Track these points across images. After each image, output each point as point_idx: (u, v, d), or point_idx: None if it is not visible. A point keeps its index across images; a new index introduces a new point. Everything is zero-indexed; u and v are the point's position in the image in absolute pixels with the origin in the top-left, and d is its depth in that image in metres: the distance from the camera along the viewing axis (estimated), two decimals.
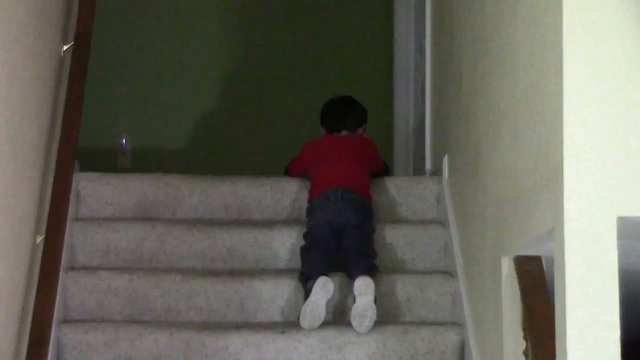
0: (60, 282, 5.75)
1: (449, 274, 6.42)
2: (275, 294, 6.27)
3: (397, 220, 6.72)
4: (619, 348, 4.12)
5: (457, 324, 6.15)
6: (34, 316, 5.38)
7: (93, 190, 6.65)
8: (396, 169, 7.99)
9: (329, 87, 8.22)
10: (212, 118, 8.31)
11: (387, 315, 6.22)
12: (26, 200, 5.47)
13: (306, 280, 5.66)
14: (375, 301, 5.60)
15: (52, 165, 6.03)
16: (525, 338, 4.97)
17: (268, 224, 6.68)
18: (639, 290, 4.53)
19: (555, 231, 4.32)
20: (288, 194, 6.86)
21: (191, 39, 8.35)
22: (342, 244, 5.71)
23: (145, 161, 7.50)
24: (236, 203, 6.82)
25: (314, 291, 5.49)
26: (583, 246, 4.23)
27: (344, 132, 6.16)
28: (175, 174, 6.93)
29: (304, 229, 6.28)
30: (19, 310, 5.26)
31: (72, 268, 6.12)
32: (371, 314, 5.52)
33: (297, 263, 6.46)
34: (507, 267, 5.18)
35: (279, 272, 6.43)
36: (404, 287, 6.29)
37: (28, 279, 5.42)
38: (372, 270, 5.73)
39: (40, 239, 5.63)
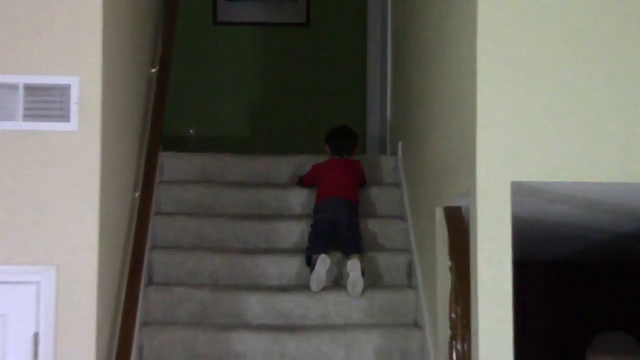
0: (150, 222, 5.78)
1: (402, 218, 6.44)
2: (290, 231, 6.30)
3: (369, 183, 6.73)
4: (511, 265, 4.14)
5: (407, 250, 6.17)
6: (134, 244, 5.41)
7: (171, 163, 6.67)
8: (368, 150, 7.96)
9: (320, 95, 8.26)
10: (248, 117, 8.31)
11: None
12: (129, 170, 5.52)
13: (309, 256, 5.64)
14: (363, 274, 5.55)
15: (145, 147, 6.06)
16: (450, 259, 4.98)
17: (284, 186, 6.70)
18: (526, 227, 4.57)
19: (470, 191, 4.35)
20: (299, 166, 6.87)
21: (234, 65, 8.35)
22: (337, 234, 5.68)
23: (204, 144, 7.50)
24: (264, 172, 6.82)
25: (317, 265, 5.49)
26: (488, 201, 4.27)
27: (345, 156, 6.09)
28: (224, 153, 6.95)
29: (312, 204, 6.26)
30: (124, 239, 5.28)
31: (158, 213, 6.15)
32: (360, 284, 5.51)
33: (304, 212, 6.50)
34: (439, 214, 5.18)
35: (292, 217, 6.43)
36: (373, 226, 6.31)
37: (130, 220, 5.46)
38: (358, 251, 5.67)
39: (137, 194, 5.67)
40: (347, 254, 5.62)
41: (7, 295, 4.26)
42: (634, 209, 5.32)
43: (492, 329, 4.21)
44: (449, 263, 4.99)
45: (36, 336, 4.25)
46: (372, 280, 5.95)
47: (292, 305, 5.76)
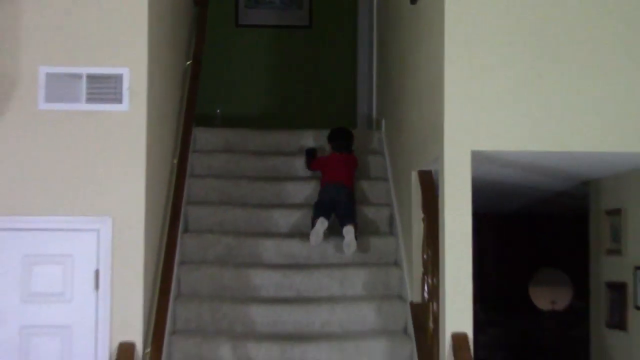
0: (186, 182, 5.80)
1: (385, 179, 6.44)
2: (296, 190, 6.30)
3: (359, 152, 6.72)
4: (471, 216, 4.17)
5: (389, 205, 6.18)
6: (173, 200, 5.45)
7: (202, 136, 6.64)
8: (359, 126, 7.90)
9: (320, 83, 8.28)
10: (263, 99, 8.28)
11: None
12: (169, 141, 5.54)
13: (313, 220, 5.56)
14: (356, 238, 5.50)
15: (182, 123, 6.08)
16: (422, 212, 5.00)
17: (293, 153, 6.69)
18: (483, 186, 4.58)
19: (438, 158, 4.38)
20: (304, 139, 6.85)
21: (251, 58, 8.33)
22: (336, 210, 5.62)
23: (229, 122, 7.48)
24: (276, 143, 6.80)
25: (316, 225, 5.48)
26: (452, 166, 4.40)
27: (344, 152, 6.02)
28: (243, 129, 6.93)
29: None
30: (165, 196, 5.32)
31: (191, 176, 6.14)
32: (353, 245, 5.46)
33: (307, 175, 6.46)
34: (414, 176, 5.18)
35: (298, 179, 6.38)
36: (363, 186, 6.30)
37: (170, 180, 5.48)
38: (352, 222, 5.59)
39: (175, 160, 5.70)
40: (343, 225, 5.54)
41: (74, 240, 4.33)
42: (566, 172, 5.37)
43: (455, 266, 4.27)
44: (421, 215, 5.04)
45: (97, 272, 4.32)
46: (362, 228, 5.98)
47: (298, 249, 5.80)
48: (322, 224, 5.50)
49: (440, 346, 4.38)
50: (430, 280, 4.81)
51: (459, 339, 4.18)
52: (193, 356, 5.07)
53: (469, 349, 4.15)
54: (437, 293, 4.53)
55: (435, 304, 4.63)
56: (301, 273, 5.60)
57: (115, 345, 4.25)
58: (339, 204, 5.61)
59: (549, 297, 7.93)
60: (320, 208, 5.64)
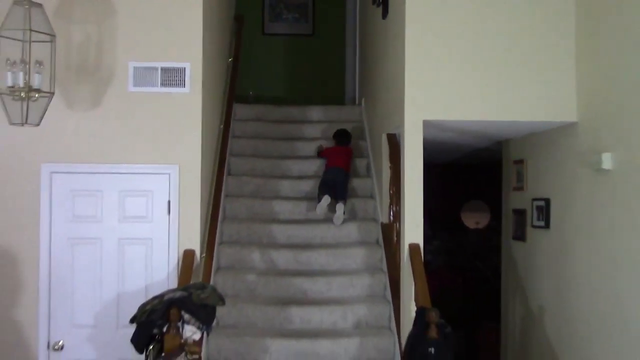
0: (228, 142, 5.76)
1: (364, 139, 6.39)
2: (304, 147, 6.27)
3: (346, 121, 6.68)
4: (422, 165, 4.16)
5: (366, 157, 6.13)
6: (220, 153, 5.43)
7: (239, 110, 6.58)
8: (346, 102, 7.79)
9: (321, 73, 8.18)
10: (281, 84, 8.21)
11: None
12: (217, 113, 5.50)
13: (319, 196, 5.34)
14: (344, 213, 5.26)
15: (226, 100, 6.03)
16: (390, 162, 4.99)
17: (302, 121, 6.63)
18: (430, 145, 4.60)
19: (400, 125, 4.35)
20: (308, 112, 6.82)
21: (273, 56, 8.25)
22: (335, 189, 5.36)
23: (258, 100, 7.42)
24: (290, 115, 6.74)
25: (322, 200, 5.25)
26: (410, 130, 4.31)
27: (343, 145, 5.81)
28: (268, 105, 6.87)
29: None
30: (215, 150, 5.30)
31: (232, 137, 6.11)
32: (341, 219, 5.24)
33: (312, 136, 6.45)
34: (384, 138, 5.16)
35: (305, 139, 6.35)
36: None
37: (217, 140, 5.44)
38: (344, 199, 5.34)
39: (221, 126, 5.66)
40: (337, 200, 5.33)
41: (153, 180, 4.32)
42: (488, 134, 5.36)
43: (411, 198, 4.28)
44: (389, 164, 5.02)
45: (169, 202, 4.32)
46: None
47: (305, 186, 5.78)
48: (326, 200, 5.27)
49: (401, 252, 4.40)
50: (394, 208, 4.82)
51: (413, 248, 4.20)
52: (234, 259, 5.10)
53: (420, 254, 4.18)
54: (399, 216, 4.53)
55: (397, 224, 4.64)
56: (307, 203, 5.58)
57: (182, 251, 4.27)
58: (337, 184, 5.41)
59: (474, 219, 7.97)
60: (324, 187, 5.39)
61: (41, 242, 4.19)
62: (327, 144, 6.04)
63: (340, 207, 5.25)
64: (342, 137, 5.85)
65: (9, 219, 4.19)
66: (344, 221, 5.34)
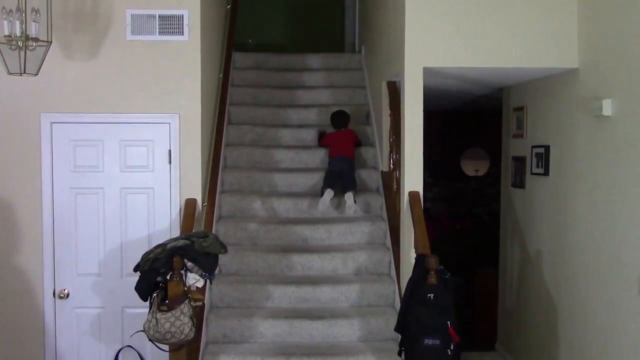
0: (228, 90, 5.72)
1: (364, 87, 6.34)
2: (304, 95, 6.23)
3: (346, 69, 6.63)
4: (422, 112, 4.15)
5: (366, 104, 6.09)
6: (220, 101, 5.38)
7: (239, 58, 6.52)
8: (346, 50, 7.75)
9: (321, 21, 8.05)
10: (280, 32, 8.09)
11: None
12: (216, 62, 5.43)
13: (322, 189, 4.98)
14: (355, 202, 4.88)
15: (225, 48, 5.96)
16: (390, 110, 4.97)
17: (301, 69, 6.57)
18: (430, 92, 4.56)
19: (400, 72, 4.32)
20: (307, 60, 6.74)
21: (273, 6, 8.10)
22: (342, 179, 5.04)
23: (257, 48, 7.32)
24: (290, 63, 6.69)
25: (324, 195, 4.87)
26: (410, 78, 4.24)
27: (342, 129, 5.39)
28: (267, 52, 6.79)
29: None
30: (214, 99, 5.27)
31: (232, 85, 6.05)
32: (353, 207, 4.85)
33: (313, 85, 6.40)
34: (384, 86, 5.13)
35: (305, 87, 6.33)
36: (349, 93, 6.26)
37: (217, 89, 5.41)
38: (354, 188, 5.00)
39: (220, 75, 5.62)
40: (345, 191, 4.99)
41: (154, 130, 4.30)
42: (488, 81, 5.32)
43: (411, 146, 4.27)
44: (389, 112, 5.00)
45: (169, 151, 4.31)
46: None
47: (305, 135, 5.76)
48: (329, 194, 4.92)
49: (401, 200, 4.42)
50: (394, 156, 4.81)
51: (413, 195, 4.21)
52: (235, 207, 5.12)
53: (420, 201, 4.20)
54: (399, 164, 4.53)
55: (397, 172, 4.65)
56: (307, 151, 5.58)
57: (183, 200, 4.28)
58: (344, 174, 5.07)
59: (474, 167, 7.97)
60: (329, 178, 5.07)
61: (43, 192, 4.21)
62: (328, 129, 5.73)
63: (349, 196, 4.92)
64: (340, 118, 5.47)
65: (10, 169, 4.20)
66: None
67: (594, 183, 4.05)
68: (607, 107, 3.84)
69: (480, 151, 7.95)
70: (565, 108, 4.49)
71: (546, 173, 4.81)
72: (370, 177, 5.40)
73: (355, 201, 4.90)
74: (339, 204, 5.07)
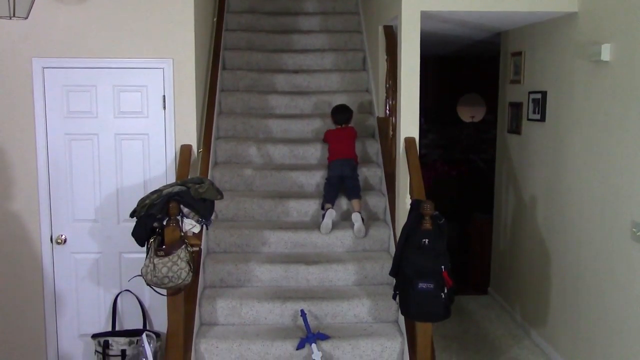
0: (222, 34, 5.61)
1: (360, 32, 6.23)
2: (300, 39, 6.15)
3: (342, 13, 6.48)
4: (419, 57, 4.09)
5: (362, 50, 6.02)
6: (214, 46, 5.31)
7: (233, 1, 6.41)
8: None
9: None
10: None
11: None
12: (211, 5, 5.31)
13: (323, 205, 4.63)
14: (363, 221, 4.52)
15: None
16: (386, 55, 4.91)
17: (297, 13, 6.44)
18: (427, 37, 4.50)
19: (397, 16, 4.24)
20: (303, 2, 6.62)
21: None
22: (344, 184, 4.70)
23: None
24: (285, 6, 6.53)
25: (325, 218, 4.49)
26: (407, 22, 4.20)
27: (344, 125, 4.90)
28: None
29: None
30: (209, 43, 5.19)
31: (226, 29, 5.96)
32: (362, 231, 4.47)
33: (309, 28, 6.32)
34: (380, 30, 5.07)
35: (301, 32, 6.25)
36: (345, 38, 6.17)
37: (211, 34, 5.31)
38: (358, 197, 4.64)
39: (215, 19, 5.50)
40: (350, 199, 4.67)
41: (147, 75, 4.24)
42: (485, 25, 5.25)
43: (408, 92, 4.23)
44: (385, 57, 4.95)
45: (164, 97, 4.26)
46: (344, 65, 5.88)
47: (300, 81, 5.71)
48: (330, 216, 4.53)
49: (397, 146, 4.40)
50: (390, 102, 4.79)
51: (409, 141, 4.20)
52: (231, 153, 5.12)
53: (415, 147, 4.19)
54: (395, 110, 4.50)
55: (394, 118, 4.63)
56: (303, 97, 5.55)
57: (179, 146, 4.26)
58: (346, 178, 4.70)
59: (470, 113, 7.93)
60: (330, 189, 4.68)
61: (37, 138, 4.18)
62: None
63: (357, 217, 4.53)
64: (341, 114, 5.00)
65: (3, 116, 4.15)
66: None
67: (591, 129, 4.04)
68: (606, 52, 3.79)
69: (476, 97, 7.90)
70: (564, 53, 4.44)
71: (543, 119, 4.79)
72: (366, 123, 5.37)
73: (363, 219, 4.55)
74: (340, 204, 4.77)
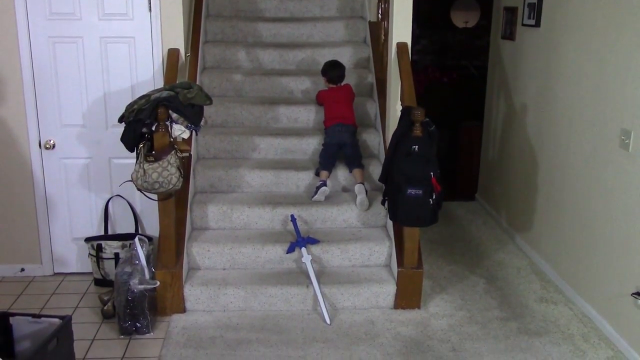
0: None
1: None
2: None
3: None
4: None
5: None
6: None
7: None
8: None
9: None
10: None
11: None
12: None
13: (318, 171, 4.31)
14: (366, 193, 4.21)
15: None
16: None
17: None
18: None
19: None
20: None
21: None
22: (343, 152, 4.32)
23: None
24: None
25: (318, 194, 4.18)
26: None
27: (339, 83, 4.47)
28: None
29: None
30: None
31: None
32: (366, 204, 4.14)
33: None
34: None
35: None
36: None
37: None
38: (360, 167, 4.30)
39: None
40: (351, 169, 4.34)
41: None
42: None
43: None
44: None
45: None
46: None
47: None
48: (323, 193, 4.20)
49: (389, 51, 4.35)
50: (383, 5, 4.69)
51: (401, 47, 4.15)
52: (219, 58, 5.03)
53: (407, 53, 4.15)
54: (388, 14, 4.42)
55: (386, 22, 4.55)
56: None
57: (166, 50, 4.17)
58: (345, 146, 4.33)
59: (463, 18, 7.76)
60: (326, 156, 4.34)
61: (20, 41, 4.06)
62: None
63: (360, 190, 4.22)
64: (336, 70, 4.55)
65: None
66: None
67: (586, 36, 3.97)
68: None
69: (470, 1, 7.70)
70: None
71: (537, 24, 4.70)
72: (357, 28, 5.28)
73: (366, 192, 4.25)
74: (334, 178, 4.43)
